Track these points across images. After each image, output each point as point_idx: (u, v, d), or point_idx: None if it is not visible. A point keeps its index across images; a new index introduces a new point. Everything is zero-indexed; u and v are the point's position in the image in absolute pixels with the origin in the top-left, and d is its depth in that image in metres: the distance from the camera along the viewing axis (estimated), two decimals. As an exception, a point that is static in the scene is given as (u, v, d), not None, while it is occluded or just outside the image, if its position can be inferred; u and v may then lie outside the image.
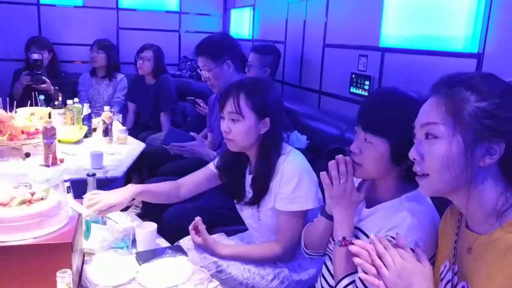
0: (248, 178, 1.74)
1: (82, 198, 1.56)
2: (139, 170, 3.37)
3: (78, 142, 2.86)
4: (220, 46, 2.37)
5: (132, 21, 4.64)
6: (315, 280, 1.54)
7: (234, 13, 4.57)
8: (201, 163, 2.63)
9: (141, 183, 3.50)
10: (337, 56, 2.83)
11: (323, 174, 1.31)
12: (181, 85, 4.14)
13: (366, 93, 2.49)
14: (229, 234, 2.02)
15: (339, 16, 2.80)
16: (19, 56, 4.06)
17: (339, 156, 1.28)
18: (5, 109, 2.61)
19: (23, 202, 1.14)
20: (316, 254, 1.50)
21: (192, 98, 3.48)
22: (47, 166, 2.32)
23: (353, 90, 2.62)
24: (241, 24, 4.29)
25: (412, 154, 1.02)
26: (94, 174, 1.61)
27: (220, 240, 1.81)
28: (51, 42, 4.02)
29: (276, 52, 3.17)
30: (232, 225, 2.35)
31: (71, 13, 4.45)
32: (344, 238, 1.25)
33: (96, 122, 3.13)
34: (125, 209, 3.36)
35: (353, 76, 2.61)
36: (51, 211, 1.17)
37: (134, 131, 3.50)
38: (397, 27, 2.25)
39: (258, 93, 1.63)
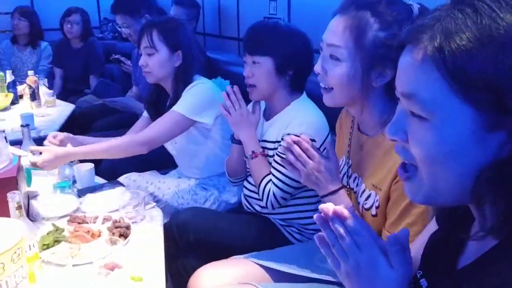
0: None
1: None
2: (70, 130, 3.42)
3: (5, 109, 2.89)
4: (135, 1, 2.46)
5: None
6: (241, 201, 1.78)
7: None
8: (131, 117, 2.76)
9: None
10: (250, 2, 3.01)
11: (220, 106, 1.56)
12: (105, 47, 4.13)
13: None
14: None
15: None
16: None
17: (227, 88, 1.53)
18: None
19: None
20: (239, 179, 1.73)
21: (117, 56, 3.53)
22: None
23: (266, 33, 2.82)
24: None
25: (317, 68, 1.13)
26: (27, 125, 1.73)
27: (155, 177, 1.98)
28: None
29: (198, 5, 3.28)
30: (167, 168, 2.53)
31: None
32: (253, 152, 1.52)
33: (22, 88, 3.13)
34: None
35: (265, 19, 2.81)
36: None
37: (63, 96, 3.52)
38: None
39: (169, 28, 1.81)
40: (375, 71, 1.05)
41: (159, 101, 1.94)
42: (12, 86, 3.05)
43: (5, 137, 1.48)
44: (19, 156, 1.44)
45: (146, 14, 2.47)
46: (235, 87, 1.55)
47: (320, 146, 1.45)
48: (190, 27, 3.18)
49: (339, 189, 1.19)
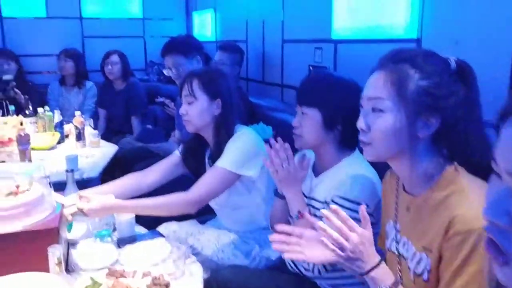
0: (208, 162, 1.88)
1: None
2: (112, 172, 3.46)
3: (52, 148, 2.94)
4: (189, 43, 2.51)
5: (96, 29, 4.71)
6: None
7: (196, 16, 4.70)
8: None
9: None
10: (295, 50, 3.00)
11: (266, 163, 1.48)
12: (150, 89, 4.23)
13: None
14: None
15: (294, 13, 2.97)
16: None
17: (277, 145, 1.46)
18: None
19: (9, 194, 1.25)
20: None
21: (161, 99, 3.59)
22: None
23: (312, 81, 2.79)
24: (204, 26, 4.43)
25: (359, 124, 1.12)
26: (72, 170, 1.73)
27: (194, 227, 1.93)
28: (16, 54, 4.06)
29: (241, 51, 3.32)
30: (205, 214, 2.49)
31: (34, 24, 4.49)
32: (299, 212, 1.43)
33: (68, 128, 3.21)
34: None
35: (311, 68, 2.79)
36: (36, 201, 1.28)
37: (106, 137, 3.58)
38: (346, 19, 2.44)
39: (209, 77, 1.81)
40: (420, 121, 1.03)
41: (197, 150, 1.91)
42: (59, 126, 3.12)
43: (50, 183, 1.47)
44: (62, 205, 1.42)
45: (198, 56, 2.50)
46: (279, 140, 1.48)
47: (373, 212, 1.36)
48: (233, 72, 3.22)
49: (382, 260, 1.10)
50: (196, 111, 1.77)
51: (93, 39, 4.70)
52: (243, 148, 1.74)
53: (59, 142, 3.02)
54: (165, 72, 2.61)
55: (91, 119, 3.40)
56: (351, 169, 1.42)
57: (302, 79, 1.54)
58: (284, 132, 2.64)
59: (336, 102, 1.44)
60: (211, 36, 4.25)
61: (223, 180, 1.71)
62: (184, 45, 2.50)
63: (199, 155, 1.91)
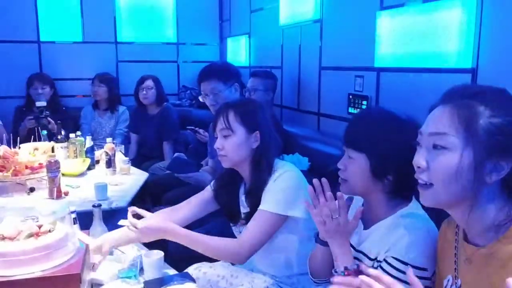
0: (242, 198, 1.76)
1: (88, 229, 1.59)
2: (142, 200, 3.38)
3: (81, 174, 2.89)
4: (228, 70, 2.43)
5: (130, 54, 4.72)
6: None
7: (230, 42, 4.66)
8: (201, 189, 2.65)
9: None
10: (333, 78, 2.88)
11: (314, 212, 1.32)
12: (181, 114, 4.18)
13: (364, 113, 2.53)
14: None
15: (333, 39, 2.86)
16: (20, 93, 4.12)
17: (328, 194, 1.28)
18: (8, 145, 2.65)
19: (30, 235, 1.15)
20: (323, 281, 1.49)
21: (192, 127, 3.51)
22: (52, 199, 2.34)
23: (351, 110, 2.65)
24: (238, 52, 4.37)
25: (417, 162, 1.01)
26: (99, 205, 1.63)
27: (226, 269, 1.78)
28: (52, 78, 4.09)
29: (275, 77, 3.24)
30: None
31: (71, 48, 4.54)
32: (346, 268, 1.26)
33: (99, 154, 3.16)
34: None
35: (351, 96, 2.65)
36: (58, 243, 1.18)
37: (137, 161, 3.53)
38: (391, 47, 2.30)
39: (245, 108, 1.69)
40: (490, 163, 0.92)
41: (231, 186, 1.79)
42: (90, 151, 3.07)
43: (75, 218, 1.37)
44: (87, 245, 1.31)
45: (236, 83, 2.40)
46: (339, 194, 1.28)
47: (432, 276, 1.18)
48: (267, 98, 3.12)
49: None
50: (233, 145, 1.65)
51: (127, 63, 4.70)
52: (286, 187, 1.60)
53: (89, 168, 2.97)
54: (200, 98, 2.52)
55: (122, 145, 3.34)
56: (408, 225, 1.24)
57: (352, 118, 1.39)
58: (319, 163, 2.53)
59: (388, 149, 1.26)
60: (245, 62, 4.18)
61: (272, 224, 1.59)
62: (223, 71, 2.41)
63: (233, 191, 1.79)
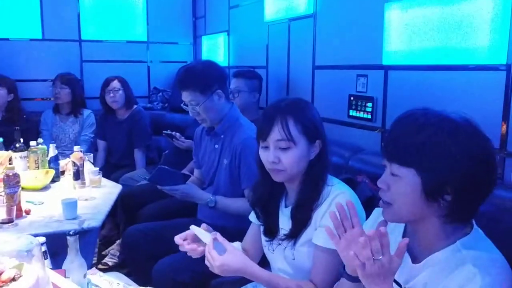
0: (285, 211, 1.51)
1: (60, 264, 1.25)
2: (112, 216, 3.01)
3: (44, 188, 2.51)
4: (207, 77, 2.10)
5: (96, 53, 4.33)
6: None
7: (205, 40, 4.35)
8: (184, 203, 2.34)
9: (117, 230, 3.19)
10: (330, 78, 2.63)
11: (342, 245, 1.05)
12: (154, 118, 3.86)
13: (369, 116, 2.29)
14: (232, 285, 1.75)
15: (330, 35, 2.61)
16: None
17: (371, 232, 0.99)
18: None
19: (-12, 287, 0.82)
20: None
21: (169, 132, 3.19)
22: (11, 220, 1.97)
23: (352, 113, 2.41)
24: (215, 51, 4.08)
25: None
26: (76, 233, 1.29)
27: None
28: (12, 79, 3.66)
29: (260, 77, 2.98)
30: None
31: (29, 46, 4.10)
32: None
33: (64, 164, 2.78)
34: (101, 257, 3.01)
35: (352, 98, 2.41)
36: (27, 295, 0.85)
37: (106, 171, 3.14)
38: (402, 42, 2.07)
39: (306, 114, 1.42)
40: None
41: (271, 200, 1.54)
42: (54, 161, 2.69)
43: (45, 252, 1.04)
44: (64, 292, 0.99)
45: (219, 90, 2.10)
46: (383, 229, 0.99)
47: None
48: (252, 99, 2.87)
49: None
50: (293, 158, 1.40)
51: (93, 63, 4.31)
52: None
53: (53, 181, 2.60)
54: (183, 105, 2.21)
55: (91, 154, 2.97)
56: (477, 260, 0.99)
57: (392, 124, 1.09)
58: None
59: (444, 161, 1.00)
60: (223, 61, 3.89)
61: (335, 259, 1.33)
62: (201, 79, 2.09)
63: (273, 205, 1.55)
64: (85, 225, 2.02)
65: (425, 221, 1.06)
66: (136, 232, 2.25)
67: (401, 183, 1.04)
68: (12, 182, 1.99)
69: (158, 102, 4.43)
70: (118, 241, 3.13)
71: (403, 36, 2.06)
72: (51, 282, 0.95)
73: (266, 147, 1.44)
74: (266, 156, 1.43)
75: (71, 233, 1.26)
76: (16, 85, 3.65)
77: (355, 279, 1.11)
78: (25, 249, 0.89)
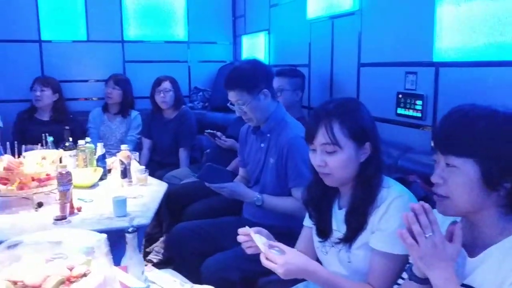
0: (339, 213, 1.48)
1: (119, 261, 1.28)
2: (156, 213, 3.05)
3: (93, 186, 2.57)
4: (254, 76, 2.11)
5: (138, 54, 4.41)
6: None
7: (246, 39, 4.36)
8: (230, 202, 2.35)
9: (161, 227, 3.23)
10: (376, 75, 2.58)
11: (402, 232, 1.06)
12: (195, 117, 3.88)
13: (419, 114, 2.23)
14: (280, 284, 1.74)
15: (376, 32, 2.55)
16: (22, 97, 3.81)
17: (415, 205, 1.04)
18: (12, 154, 2.33)
19: (61, 283, 0.84)
20: None
21: (212, 131, 3.21)
22: (64, 217, 2.03)
23: (400, 111, 2.35)
24: (255, 50, 4.07)
25: None
26: (134, 230, 1.31)
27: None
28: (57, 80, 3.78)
29: (302, 75, 2.96)
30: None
31: (74, 48, 4.23)
32: None
33: (111, 162, 2.85)
34: (145, 254, 3.05)
35: (400, 96, 2.35)
36: (97, 291, 0.87)
37: (149, 169, 3.19)
38: (455, 38, 1.99)
39: (353, 116, 1.38)
40: None
41: (324, 201, 1.52)
42: (101, 160, 2.75)
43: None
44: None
45: (265, 89, 2.10)
46: (427, 206, 1.04)
47: None
48: (295, 98, 2.85)
49: None
50: (340, 162, 1.37)
51: (134, 63, 4.39)
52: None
53: (101, 179, 2.66)
54: (229, 105, 2.21)
55: (137, 153, 3.03)
56: None
57: (443, 117, 1.10)
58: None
59: (505, 147, 1.01)
60: (264, 60, 3.87)
61: (400, 267, 1.33)
62: (247, 79, 2.09)
63: (326, 207, 1.52)
64: (135, 222, 2.04)
65: (482, 212, 1.06)
66: (184, 229, 2.27)
67: (458, 174, 1.04)
68: (65, 180, 2.05)
69: (199, 101, 4.47)
70: (161, 239, 3.18)
71: (455, 32, 1.98)
72: (117, 279, 0.97)
73: (314, 150, 1.42)
74: (314, 159, 1.42)
75: (129, 230, 1.29)
76: (60, 86, 3.76)
77: (423, 281, 1.10)
78: (94, 246, 0.90)
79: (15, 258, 0.88)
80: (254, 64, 2.19)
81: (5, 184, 2.17)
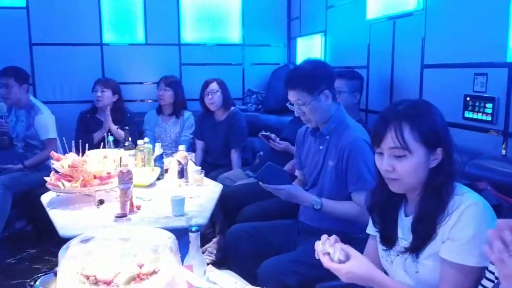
0: (405, 220, 1.41)
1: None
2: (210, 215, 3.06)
3: (151, 185, 2.62)
4: (315, 76, 2.05)
5: (194, 56, 4.48)
6: None
7: (300, 41, 4.32)
8: (285, 204, 2.30)
9: (213, 228, 3.25)
10: (441, 77, 2.46)
11: (486, 249, 0.95)
12: (248, 120, 3.88)
13: (489, 118, 2.10)
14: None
15: (442, 32, 2.44)
16: (84, 98, 3.95)
17: (501, 222, 0.92)
18: (76, 152, 2.41)
19: (132, 279, 0.84)
20: None
21: (267, 133, 3.19)
22: (125, 215, 2.07)
23: (468, 115, 2.23)
24: (310, 52, 4.02)
25: None
26: (197, 229, 1.30)
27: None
28: (116, 82, 3.90)
29: (361, 77, 2.88)
30: (338, 279, 2.01)
31: (133, 51, 4.35)
32: None
33: (168, 162, 2.89)
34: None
35: (468, 98, 2.23)
36: (166, 289, 0.86)
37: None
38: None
39: (424, 119, 1.30)
40: None
41: (389, 208, 1.44)
42: (159, 160, 2.80)
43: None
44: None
45: (326, 90, 2.05)
46: None
47: None
48: (353, 101, 2.78)
49: None
50: (409, 168, 1.30)
51: (190, 66, 4.46)
52: (479, 230, 1.23)
53: (157, 179, 2.70)
54: (288, 105, 2.17)
55: (193, 153, 3.06)
56: None
57: None
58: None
59: None
60: (320, 62, 3.82)
61: (474, 279, 1.24)
62: (308, 79, 2.04)
63: (391, 214, 1.45)
64: (193, 222, 2.06)
65: None
66: (239, 231, 2.26)
67: None
68: (126, 178, 2.09)
69: (252, 104, 4.46)
70: (214, 239, 3.19)
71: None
72: (185, 278, 0.96)
73: (381, 154, 1.35)
74: (380, 163, 1.35)
75: (192, 229, 1.28)
76: (119, 87, 3.88)
77: None
78: (162, 244, 0.90)
79: (87, 252, 0.89)
80: (316, 64, 2.14)
81: (69, 181, 2.25)
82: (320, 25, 3.88)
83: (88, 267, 0.85)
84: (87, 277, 0.83)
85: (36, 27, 4.14)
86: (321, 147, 2.14)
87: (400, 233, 1.42)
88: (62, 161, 2.31)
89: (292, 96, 2.09)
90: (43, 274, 1.22)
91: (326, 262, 1.31)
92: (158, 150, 2.82)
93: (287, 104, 2.17)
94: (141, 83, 4.40)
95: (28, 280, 2.55)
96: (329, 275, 1.96)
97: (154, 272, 0.87)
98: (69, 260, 0.81)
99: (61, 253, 0.84)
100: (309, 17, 4.21)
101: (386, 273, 1.48)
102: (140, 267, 0.88)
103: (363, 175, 1.95)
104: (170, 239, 0.93)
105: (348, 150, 1.98)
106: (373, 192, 1.50)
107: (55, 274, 1.15)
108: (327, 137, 2.10)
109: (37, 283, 1.14)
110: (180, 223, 2.06)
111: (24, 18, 4.12)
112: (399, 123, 1.29)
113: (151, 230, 1.00)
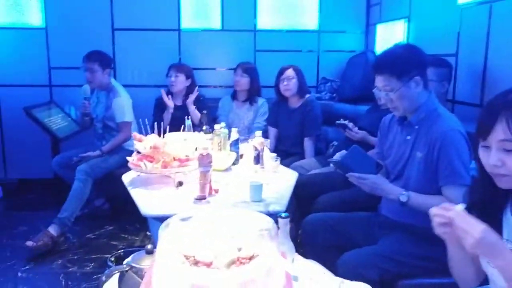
0: (511, 220, 1.29)
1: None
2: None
3: (226, 169, 2.63)
4: (406, 61, 1.93)
5: (268, 43, 4.44)
6: None
7: (380, 28, 4.14)
8: (364, 195, 2.20)
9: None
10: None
11: None
12: (322, 108, 3.77)
13: None
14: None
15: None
16: (161, 83, 4.05)
17: None
18: (158, 134, 2.46)
19: (232, 262, 0.81)
20: None
21: (344, 122, 3.09)
22: (204, 197, 2.08)
23: None
24: (391, 39, 3.83)
25: None
26: (287, 216, 1.26)
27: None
28: (191, 67, 3.95)
29: (450, 65, 2.69)
30: (422, 277, 1.90)
31: (209, 37, 4.39)
32: None
33: (243, 148, 2.88)
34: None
35: None
36: (266, 276, 0.82)
37: (275, 159, 3.20)
38: None
39: None
40: None
41: (491, 208, 1.32)
42: (234, 145, 2.80)
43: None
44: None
45: (417, 76, 1.92)
46: None
47: None
48: (441, 90, 2.61)
49: None
50: None
51: (265, 52, 4.43)
52: None
53: (233, 164, 2.70)
54: (374, 91, 2.07)
55: (268, 140, 3.03)
56: None
57: None
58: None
59: None
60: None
61: None
62: (398, 64, 1.92)
63: (492, 210, 1.34)
64: (271, 209, 2.03)
65: None
66: (317, 221, 2.20)
67: None
68: (206, 161, 2.09)
69: (326, 92, 4.36)
70: (286, 228, 3.15)
71: None
72: (282, 265, 0.92)
73: (487, 147, 1.23)
74: (487, 158, 1.23)
75: (282, 215, 1.24)
76: (192, 72, 3.91)
77: None
78: (264, 228, 0.86)
79: (187, 232, 0.87)
80: (408, 48, 2.02)
81: (150, 161, 2.30)
82: (403, 10, 3.68)
83: (188, 247, 0.83)
84: (187, 257, 0.81)
85: (119, 12, 4.29)
86: (408, 137, 2.02)
87: (505, 234, 1.29)
88: (144, 142, 2.36)
89: (379, 81, 1.98)
90: (121, 251, 1.23)
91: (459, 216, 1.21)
92: (234, 135, 2.81)
93: (373, 90, 2.07)
94: (214, 69, 4.43)
95: (109, 256, 2.67)
96: (413, 272, 1.88)
97: (252, 257, 0.84)
98: (169, 238, 0.80)
99: (161, 230, 0.83)
100: (391, 2, 4.01)
101: (486, 277, 1.37)
102: (239, 251, 0.85)
103: (456, 169, 1.81)
104: (270, 223, 0.89)
105: (440, 141, 1.85)
106: (474, 189, 1.38)
107: (147, 252, 1.16)
108: (416, 126, 1.98)
109: (129, 259, 1.15)
110: (259, 208, 2.03)
111: (107, 4, 4.27)
112: (511, 113, 1.17)
113: (250, 213, 0.96)
